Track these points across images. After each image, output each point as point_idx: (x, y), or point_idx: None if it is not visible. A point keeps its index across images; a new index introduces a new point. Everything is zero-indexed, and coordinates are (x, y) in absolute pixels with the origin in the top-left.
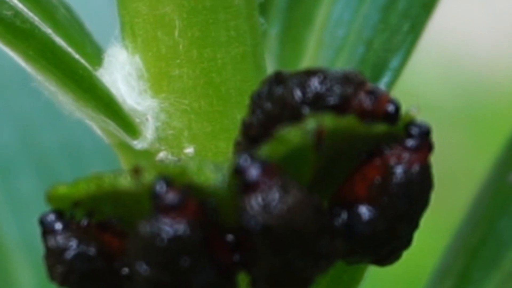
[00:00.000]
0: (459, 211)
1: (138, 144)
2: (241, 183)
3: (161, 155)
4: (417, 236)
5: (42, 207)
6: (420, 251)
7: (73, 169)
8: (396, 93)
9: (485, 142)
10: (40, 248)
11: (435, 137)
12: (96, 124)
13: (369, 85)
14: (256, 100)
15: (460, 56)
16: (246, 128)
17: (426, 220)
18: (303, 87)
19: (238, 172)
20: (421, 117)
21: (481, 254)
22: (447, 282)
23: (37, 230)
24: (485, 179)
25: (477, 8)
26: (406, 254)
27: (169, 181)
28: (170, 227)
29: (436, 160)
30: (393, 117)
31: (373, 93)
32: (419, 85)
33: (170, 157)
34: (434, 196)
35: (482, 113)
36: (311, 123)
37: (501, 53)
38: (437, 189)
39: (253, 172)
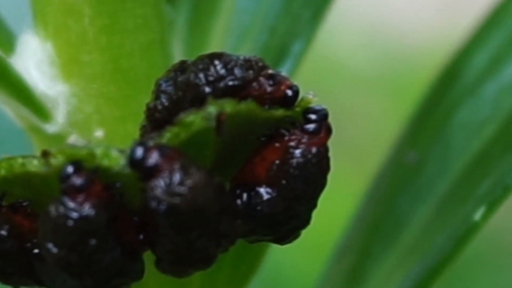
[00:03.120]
0: None
1: (50, 128)
2: (142, 169)
3: (72, 138)
4: (336, 199)
5: None
6: (338, 214)
7: None
8: (318, 61)
9: (407, 110)
10: None
11: (356, 105)
12: (9, 109)
13: (270, 70)
14: (161, 86)
15: (382, 25)
16: (150, 112)
17: (347, 185)
18: (206, 69)
19: (133, 161)
20: (343, 85)
21: (381, 230)
22: (348, 257)
23: None
24: (386, 158)
25: None
26: (325, 217)
27: (77, 165)
28: (77, 208)
29: (358, 127)
30: (291, 101)
31: (273, 78)
32: (341, 54)
33: (80, 140)
34: (355, 163)
35: (404, 82)
36: (212, 108)
37: (423, 23)
38: (359, 156)
39: (153, 158)
